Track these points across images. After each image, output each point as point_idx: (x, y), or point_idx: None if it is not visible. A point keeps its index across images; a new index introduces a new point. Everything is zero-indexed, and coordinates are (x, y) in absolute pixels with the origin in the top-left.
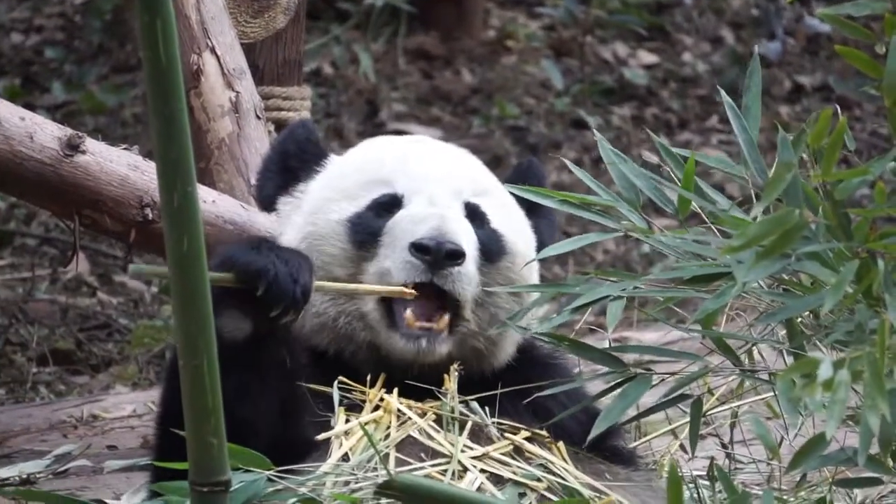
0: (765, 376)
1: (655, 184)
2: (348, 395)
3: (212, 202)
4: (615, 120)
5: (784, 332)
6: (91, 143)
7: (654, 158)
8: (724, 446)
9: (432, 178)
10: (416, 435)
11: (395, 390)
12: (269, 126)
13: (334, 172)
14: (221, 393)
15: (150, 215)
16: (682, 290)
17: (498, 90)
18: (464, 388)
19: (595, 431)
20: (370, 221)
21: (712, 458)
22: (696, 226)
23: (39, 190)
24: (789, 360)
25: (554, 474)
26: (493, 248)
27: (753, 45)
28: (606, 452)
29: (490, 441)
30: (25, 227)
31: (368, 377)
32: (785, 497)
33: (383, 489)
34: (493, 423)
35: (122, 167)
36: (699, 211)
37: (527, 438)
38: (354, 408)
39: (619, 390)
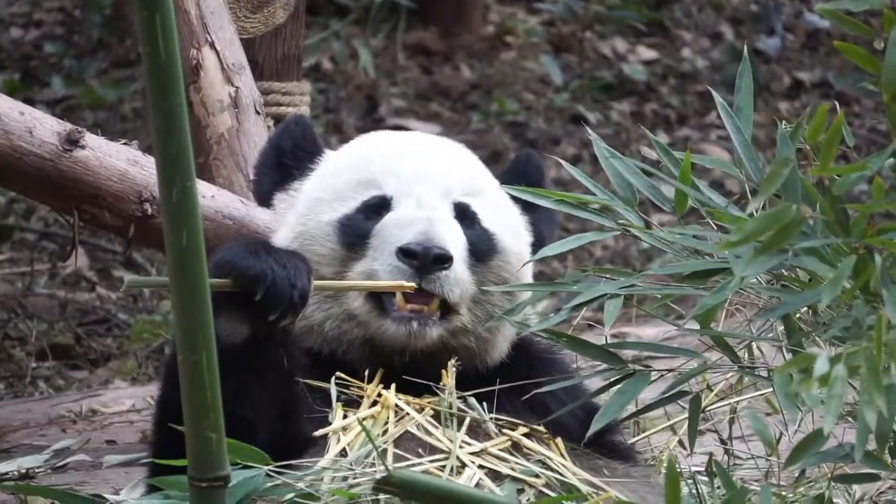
0: (763, 372)
1: (652, 182)
2: (346, 391)
3: (211, 197)
4: (614, 116)
5: (782, 328)
6: (90, 138)
7: (653, 155)
8: (722, 442)
9: (422, 179)
10: (413, 430)
11: (393, 386)
12: (269, 121)
13: (327, 171)
14: (220, 394)
15: (150, 210)
16: (679, 286)
17: (497, 86)
18: (460, 384)
19: (593, 428)
20: (359, 224)
21: (711, 454)
22: (693, 222)
23: (39, 185)
24: (788, 356)
25: (552, 470)
26: (483, 248)
27: (746, 44)
28: (605, 448)
29: (488, 437)
30: (25, 221)
31: (366, 373)
32: (783, 493)
33: (381, 485)
34: (492, 418)
35: (122, 162)
36: (697, 207)
37: (525, 434)
38: (352, 404)
39: (617, 387)
